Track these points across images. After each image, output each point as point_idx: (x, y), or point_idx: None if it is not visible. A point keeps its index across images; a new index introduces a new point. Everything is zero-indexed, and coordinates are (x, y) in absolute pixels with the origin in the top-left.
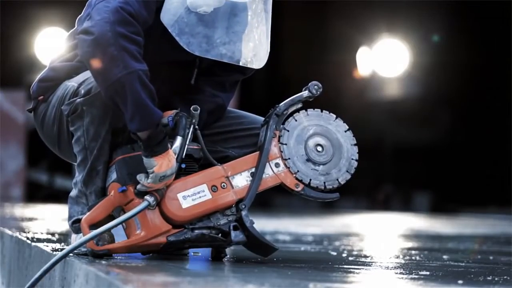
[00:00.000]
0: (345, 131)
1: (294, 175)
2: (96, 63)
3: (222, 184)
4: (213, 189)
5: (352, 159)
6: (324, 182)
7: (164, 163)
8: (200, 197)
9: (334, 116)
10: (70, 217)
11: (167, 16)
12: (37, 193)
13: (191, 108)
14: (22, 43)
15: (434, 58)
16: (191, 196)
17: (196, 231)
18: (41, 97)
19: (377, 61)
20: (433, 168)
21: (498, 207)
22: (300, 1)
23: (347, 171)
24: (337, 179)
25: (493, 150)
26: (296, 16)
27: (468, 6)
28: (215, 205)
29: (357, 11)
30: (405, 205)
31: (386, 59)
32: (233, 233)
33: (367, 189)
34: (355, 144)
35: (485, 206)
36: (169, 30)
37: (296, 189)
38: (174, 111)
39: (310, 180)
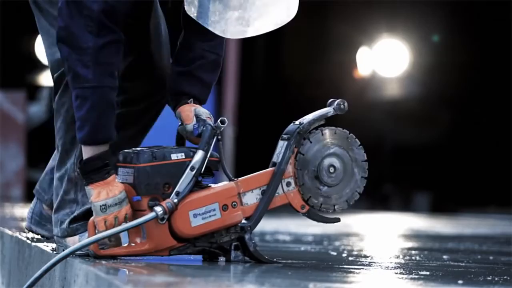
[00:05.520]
0: (362, 161)
1: (299, 188)
2: (68, 65)
3: (233, 203)
4: (224, 208)
5: (356, 191)
6: (321, 204)
7: (102, 192)
8: (210, 216)
9: (359, 142)
10: (61, 223)
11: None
12: None
13: (218, 120)
14: (22, 43)
15: (434, 58)
16: (202, 214)
17: (198, 247)
18: None
19: (377, 61)
20: (433, 168)
21: (498, 207)
22: (300, 1)
23: (346, 201)
24: (334, 205)
25: (493, 150)
26: (296, 16)
27: (468, 6)
28: (223, 225)
29: (357, 11)
30: (405, 205)
31: (386, 59)
32: (233, 253)
33: (367, 189)
34: (365, 177)
35: (485, 206)
36: (200, 22)
37: (301, 211)
38: (195, 111)
39: (310, 197)
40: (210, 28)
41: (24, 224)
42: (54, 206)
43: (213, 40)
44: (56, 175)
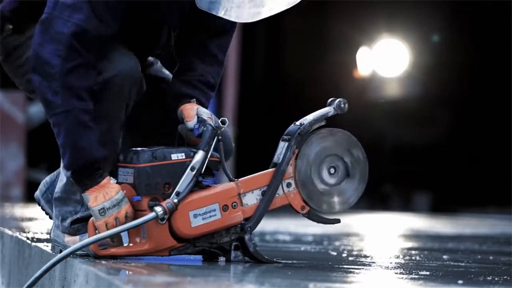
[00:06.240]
0: (362, 162)
1: (299, 189)
2: (40, 93)
3: (233, 203)
4: (224, 208)
5: (357, 192)
6: (321, 205)
7: (99, 196)
8: (210, 216)
9: (359, 143)
10: (62, 219)
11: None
12: None
13: (219, 121)
14: None
15: (434, 58)
16: (202, 215)
17: (198, 247)
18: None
19: (377, 61)
20: (433, 168)
21: (498, 207)
22: (300, 1)
23: (346, 202)
24: (334, 207)
25: (493, 150)
26: (296, 16)
27: (468, 6)
28: (223, 225)
29: (357, 11)
30: (405, 205)
31: (386, 59)
32: (233, 253)
33: (367, 189)
34: (365, 178)
35: (485, 206)
36: (213, 13)
37: (301, 212)
38: (197, 110)
39: (310, 198)
40: (224, 17)
41: (24, 223)
42: (57, 194)
43: (212, 65)
44: (64, 171)
